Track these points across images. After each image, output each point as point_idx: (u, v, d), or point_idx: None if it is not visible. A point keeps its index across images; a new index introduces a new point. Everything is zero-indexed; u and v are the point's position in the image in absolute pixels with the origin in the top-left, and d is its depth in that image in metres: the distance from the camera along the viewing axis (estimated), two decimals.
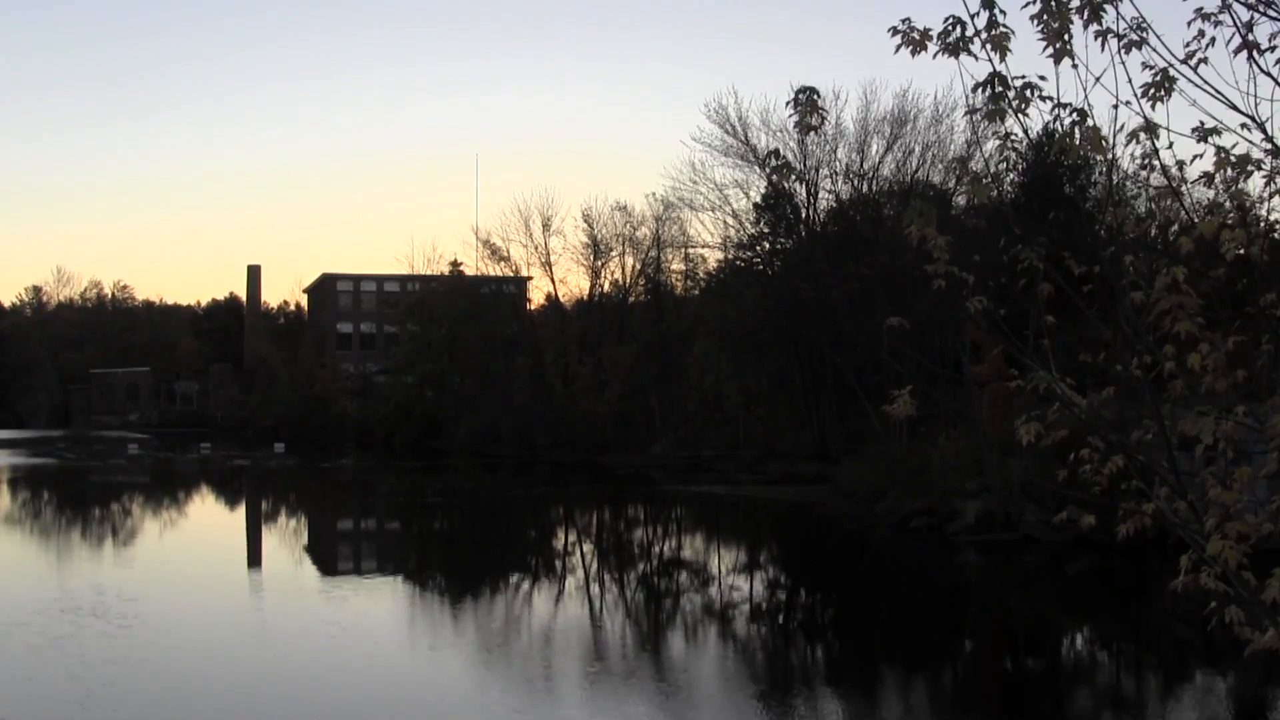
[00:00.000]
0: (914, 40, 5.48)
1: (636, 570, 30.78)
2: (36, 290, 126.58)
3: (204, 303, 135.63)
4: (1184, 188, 6.40)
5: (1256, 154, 5.56)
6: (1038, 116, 5.42)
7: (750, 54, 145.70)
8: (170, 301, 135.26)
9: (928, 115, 53.92)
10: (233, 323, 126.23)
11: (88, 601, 24.98)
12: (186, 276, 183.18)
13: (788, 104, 5.69)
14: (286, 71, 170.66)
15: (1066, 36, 5.27)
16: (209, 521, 43.96)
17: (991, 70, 5.31)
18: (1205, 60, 5.53)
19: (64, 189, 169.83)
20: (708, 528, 40.91)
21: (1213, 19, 5.52)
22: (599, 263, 73.37)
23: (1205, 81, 5.47)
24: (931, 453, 34.95)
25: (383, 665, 18.60)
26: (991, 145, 6.26)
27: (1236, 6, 5.48)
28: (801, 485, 45.35)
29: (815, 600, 27.61)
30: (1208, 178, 5.63)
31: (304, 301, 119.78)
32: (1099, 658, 21.37)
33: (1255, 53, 5.48)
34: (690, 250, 67.32)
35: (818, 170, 53.52)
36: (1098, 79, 5.33)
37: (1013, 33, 5.32)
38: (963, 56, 5.34)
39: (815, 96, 5.67)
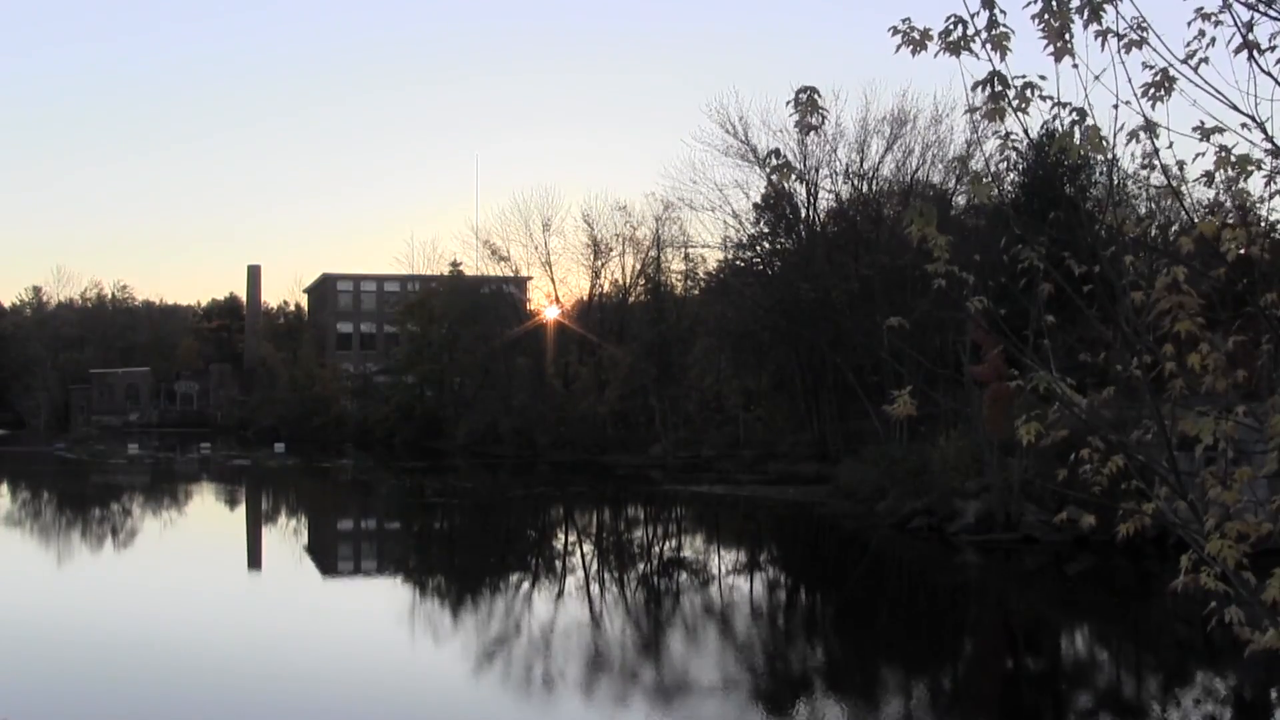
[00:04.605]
0: (914, 40, 5.48)
1: (637, 570, 30.78)
2: (36, 290, 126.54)
3: (204, 303, 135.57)
4: (1184, 188, 6.41)
5: (1257, 154, 5.56)
6: (1038, 116, 5.42)
7: (750, 54, 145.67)
8: (170, 301, 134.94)
9: (928, 115, 53.94)
10: (233, 323, 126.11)
11: (88, 600, 25.02)
12: (186, 276, 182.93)
13: (788, 103, 5.69)
14: (286, 71, 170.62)
15: (1067, 36, 5.27)
16: (209, 521, 43.95)
17: (991, 70, 5.31)
18: (1205, 60, 5.53)
19: (64, 189, 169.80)
20: (708, 528, 40.91)
21: (1213, 19, 5.52)
22: (599, 263, 73.37)
23: (1205, 81, 5.47)
24: (931, 453, 34.95)
25: (382, 664, 18.60)
26: (992, 145, 6.27)
27: (1237, 6, 5.48)
28: (801, 485, 45.35)
29: (815, 600, 27.61)
30: (1208, 177, 5.63)
31: (304, 301, 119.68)
32: (1099, 658, 21.37)
33: (1255, 52, 5.48)
34: (690, 250, 67.35)
35: (818, 170, 53.52)
36: (1097, 77, 5.33)
37: (1013, 32, 5.33)
38: (963, 56, 5.34)
39: (816, 96, 5.67)
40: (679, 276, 70.97)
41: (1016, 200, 38.55)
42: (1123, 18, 5.35)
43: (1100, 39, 5.31)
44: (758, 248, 59.19)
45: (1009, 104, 5.31)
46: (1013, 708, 17.46)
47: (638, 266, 72.34)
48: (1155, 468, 6.08)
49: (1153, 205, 37.65)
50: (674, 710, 16.33)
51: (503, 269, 76.75)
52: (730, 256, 61.79)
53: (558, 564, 32.02)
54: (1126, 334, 5.94)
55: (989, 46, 5.29)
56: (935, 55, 5.41)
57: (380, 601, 25.45)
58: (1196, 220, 5.93)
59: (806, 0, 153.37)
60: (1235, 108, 5.46)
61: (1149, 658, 20.75)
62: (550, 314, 75.66)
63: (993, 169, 17.52)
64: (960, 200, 46.83)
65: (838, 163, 53.35)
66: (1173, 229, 33.61)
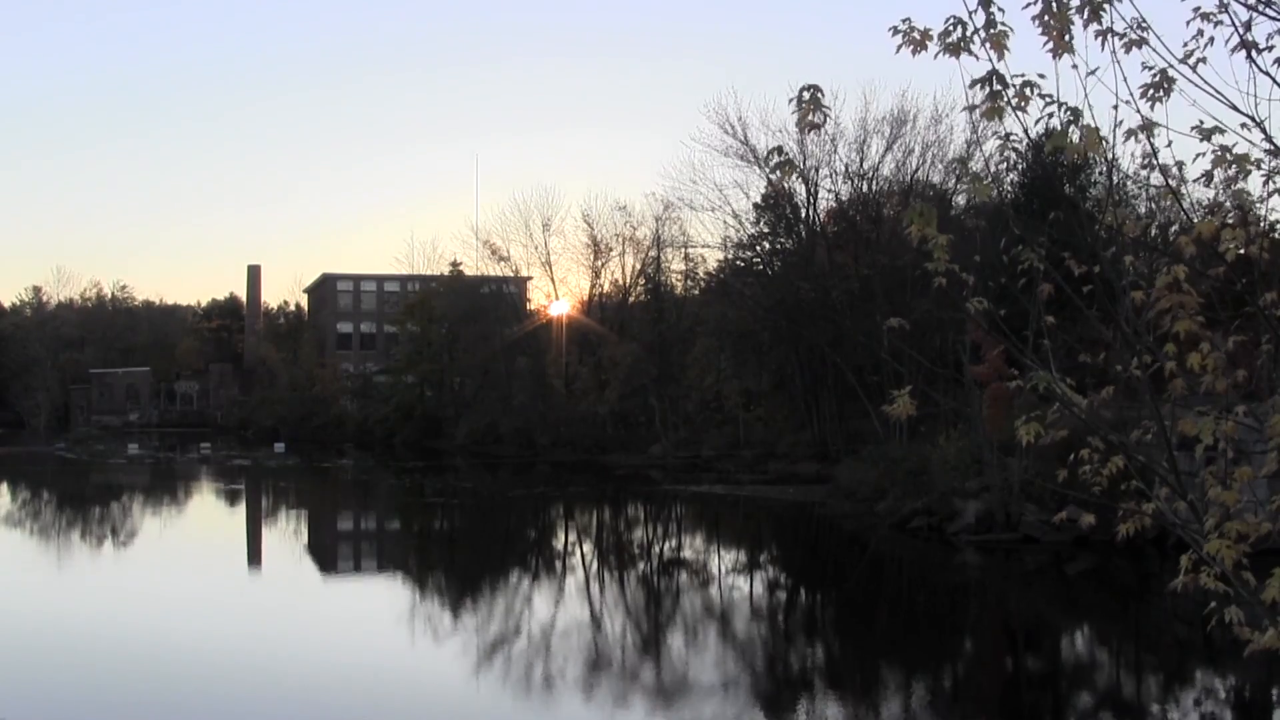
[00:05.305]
0: (914, 40, 5.48)
1: (637, 570, 30.78)
2: (36, 290, 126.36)
3: (204, 303, 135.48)
4: (1184, 187, 6.42)
5: (1256, 154, 5.55)
6: (1037, 115, 5.41)
7: (750, 54, 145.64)
8: (170, 301, 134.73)
9: (927, 115, 53.92)
10: (233, 323, 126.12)
11: (88, 600, 25.02)
12: (186, 276, 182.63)
13: (790, 101, 5.68)
14: (285, 72, 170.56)
15: (1066, 36, 5.27)
16: (209, 521, 43.96)
17: (990, 68, 5.30)
18: (1204, 60, 5.52)
19: (64, 189, 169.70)
20: (708, 528, 40.92)
21: (1211, 19, 5.52)
22: (599, 263, 73.38)
23: (1204, 81, 5.47)
24: (931, 453, 34.96)
25: (382, 663, 18.60)
26: (991, 145, 6.27)
27: (1235, 6, 5.48)
28: (801, 485, 45.34)
29: (815, 600, 27.61)
30: (1207, 177, 5.63)
31: (304, 301, 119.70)
32: (1099, 658, 21.37)
33: (1254, 52, 5.48)
34: (690, 250, 67.33)
35: (817, 170, 53.48)
36: (1094, 74, 5.33)
37: (1012, 31, 5.32)
38: (963, 57, 5.33)
39: (819, 95, 5.66)
40: (679, 276, 71.04)
41: (1016, 200, 38.57)
42: (1122, 17, 5.35)
43: (1100, 39, 5.31)
44: (758, 248, 59.19)
45: (1008, 103, 5.30)
46: (1013, 708, 17.46)
47: (638, 266, 72.40)
48: (1155, 468, 6.08)
49: (1153, 205, 37.66)
50: (674, 710, 16.34)
51: (503, 269, 76.82)
52: (730, 256, 61.83)
53: (558, 564, 32.02)
54: (1126, 334, 5.94)
55: (988, 46, 5.28)
56: (935, 56, 5.41)
57: (380, 601, 25.44)
58: (1196, 220, 5.92)
59: (806, 0, 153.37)
60: (1234, 107, 5.46)
61: (1149, 658, 20.75)
62: (550, 313, 75.67)
63: (993, 169, 17.53)
64: (960, 200, 46.84)
65: (837, 162, 53.36)
66: (1173, 229, 33.63)
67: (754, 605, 26.04)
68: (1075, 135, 5.36)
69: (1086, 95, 5.33)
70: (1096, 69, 5.29)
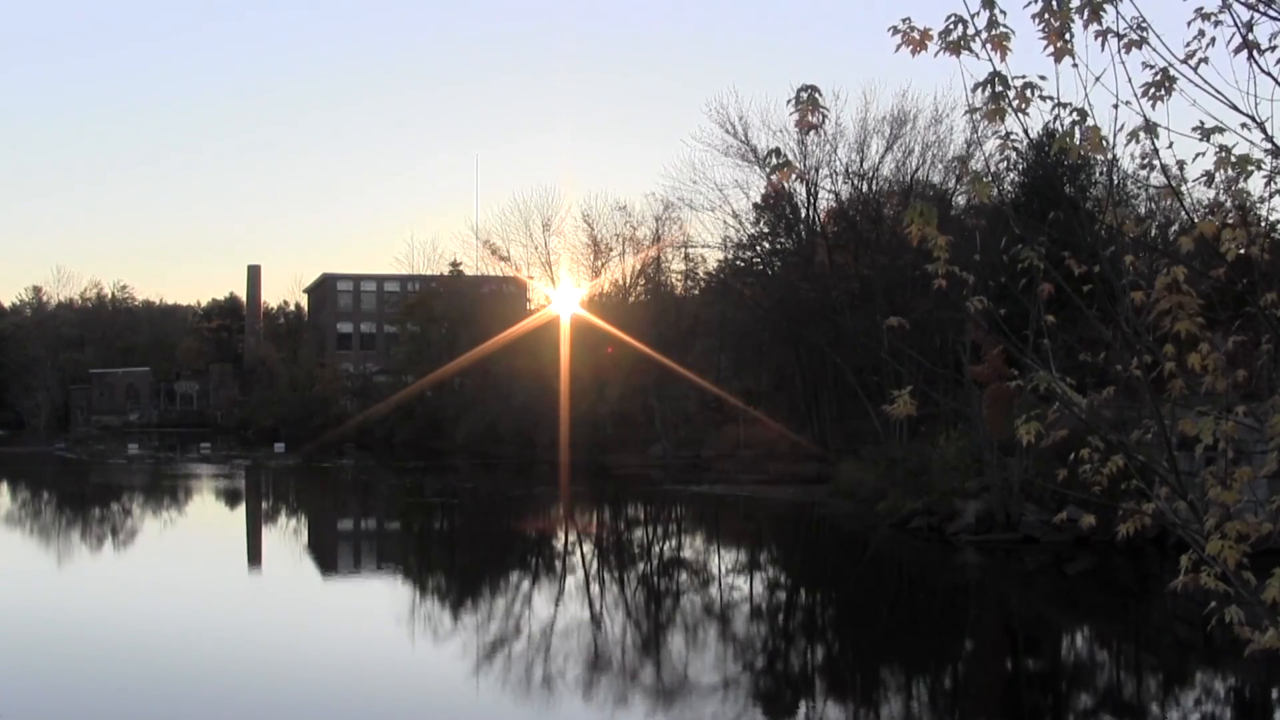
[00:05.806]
0: (914, 40, 5.47)
1: (636, 570, 30.78)
2: (36, 290, 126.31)
3: (204, 303, 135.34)
4: (1184, 188, 6.41)
5: (1257, 154, 5.55)
6: (1038, 116, 5.41)
7: (750, 54, 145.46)
8: (170, 301, 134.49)
9: (927, 115, 53.90)
10: (233, 323, 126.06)
11: (89, 600, 25.03)
12: (186, 276, 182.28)
13: (789, 103, 5.67)
14: (286, 72, 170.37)
15: (1068, 36, 5.26)
16: (209, 521, 43.95)
17: (992, 70, 5.30)
18: (1205, 60, 5.52)
19: (65, 189, 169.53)
20: (708, 528, 40.91)
21: (1213, 19, 5.51)
22: (599, 263, 73.33)
23: (1205, 81, 5.46)
24: (931, 453, 34.96)
25: (382, 663, 18.60)
26: (992, 145, 6.26)
27: (1236, 6, 5.48)
28: (801, 485, 45.34)
29: (815, 600, 27.61)
30: (1208, 177, 5.62)
31: (304, 301, 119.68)
32: (1099, 658, 21.37)
33: (1255, 52, 5.48)
34: (690, 250, 67.33)
35: (818, 170, 53.50)
36: (1098, 79, 5.33)
37: (1013, 32, 5.32)
38: (963, 56, 5.32)
39: (816, 95, 5.65)
40: (679, 276, 71.05)
41: (1016, 200, 38.55)
42: (1123, 18, 5.34)
43: (1100, 39, 5.30)
44: (758, 248, 59.20)
45: (1009, 104, 5.30)
46: (1013, 708, 17.46)
47: (638, 266, 72.35)
48: (1155, 468, 6.07)
49: (1153, 205, 37.69)
50: (674, 710, 16.34)
51: (503, 269, 76.77)
52: (730, 256, 61.84)
53: (558, 564, 32.01)
54: (1126, 334, 5.93)
55: (989, 46, 5.28)
56: (935, 55, 5.40)
57: (380, 601, 25.44)
58: (1196, 220, 5.92)
59: (806, 0, 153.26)
60: (1235, 108, 5.46)
61: (1149, 658, 20.75)
62: (550, 313, 75.58)
63: (993, 169, 17.53)
64: (960, 200, 46.83)
65: (838, 163, 53.38)
66: (1173, 229, 33.64)
67: (754, 605, 26.04)
68: (1077, 136, 5.36)
69: (1088, 95, 5.32)
70: (1102, 72, 5.29)
